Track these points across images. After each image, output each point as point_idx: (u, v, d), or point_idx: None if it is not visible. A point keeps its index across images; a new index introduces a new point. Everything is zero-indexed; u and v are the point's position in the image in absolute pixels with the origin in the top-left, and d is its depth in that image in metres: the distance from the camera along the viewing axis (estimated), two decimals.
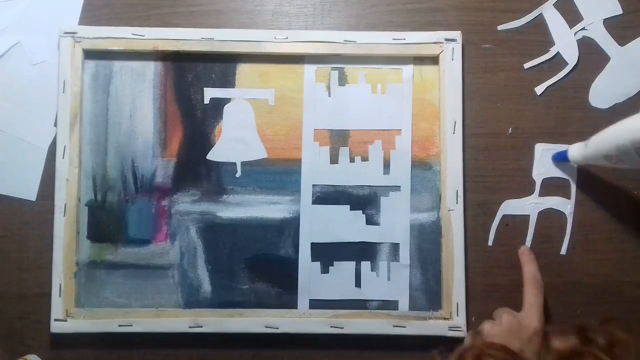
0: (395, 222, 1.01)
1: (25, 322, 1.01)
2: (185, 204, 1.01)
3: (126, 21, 1.04)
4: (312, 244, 1.01)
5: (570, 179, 1.02)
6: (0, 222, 1.02)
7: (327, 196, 1.02)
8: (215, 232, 1.01)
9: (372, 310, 1.00)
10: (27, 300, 1.01)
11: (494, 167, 1.02)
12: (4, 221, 1.01)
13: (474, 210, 1.02)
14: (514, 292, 1.00)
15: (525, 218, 1.02)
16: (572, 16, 1.04)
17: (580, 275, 1.02)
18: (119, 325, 0.98)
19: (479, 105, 1.03)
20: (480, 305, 1.00)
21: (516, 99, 1.04)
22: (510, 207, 1.02)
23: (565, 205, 1.02)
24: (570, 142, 1.01)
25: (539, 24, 1.04)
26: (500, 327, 0.92)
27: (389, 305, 1.00)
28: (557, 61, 1.04)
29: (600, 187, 1.02)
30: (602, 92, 1.03)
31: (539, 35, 1.04)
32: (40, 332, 1.00)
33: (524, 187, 1.02)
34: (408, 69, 1.03)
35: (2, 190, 1.02)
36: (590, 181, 1.02)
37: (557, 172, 1.02)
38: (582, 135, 1.01)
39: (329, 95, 1.03)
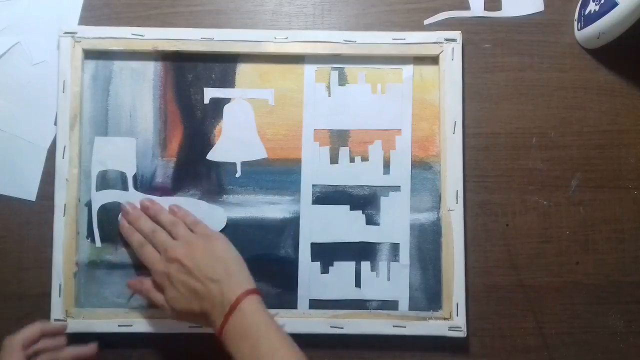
0: (395, 222, 1.01)
1: (25, 322, 1.00)
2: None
3: (126, 21, 1.04)
4: (312, 244, 1.01)
5: None
6: (6, 224, 1.02)
7: (327, 196, 1.02)
8: None
9: (372, 310, 1.00)
10: (26, 300, 1.01)
11: (494, 167, 1.02)
12: (3, 221, 1.01)
13: (473, 210, 1.02)
14: (514, 292, 1.01)
15: (525, 218, 1.02)
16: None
17: (580, 275, 1.02)
18: (119, 325, 0.98)
19: (479, 105, 1.03)
20: (480, 306, 1.00)
21: (516, 99, 1.04)
22: None
23: None
24: (570, 142, 1.02)
25: (539, 23, 1.05)
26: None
27: (389, 305, 1.00)
28: (557, 61, 1.04)
29: (599, 187, 1.02)
30: None
31: (539, 35, 1.04)
32: None
33: (524, 187, 1.02)
34: (408, 69, 1.03)
35: (1, 190, 1.01)
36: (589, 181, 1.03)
37: None
38: (582, 135, 1.02)
39: (329, 95, 1.03)
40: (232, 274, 0.88)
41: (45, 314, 0.98)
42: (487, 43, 1.04)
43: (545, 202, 1.02)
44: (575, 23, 1.04)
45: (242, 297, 0.85)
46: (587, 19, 1.00)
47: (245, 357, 0.82)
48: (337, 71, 1.03)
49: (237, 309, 0.85)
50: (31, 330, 0.91)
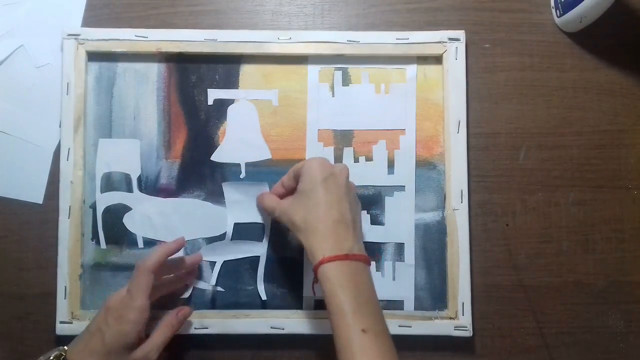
0: (400, 222, 1.01)
1: (25, 322, 1.00)
2: None
3: (125, 21, 1.04)
4: None
5: None
6: (7, 224, 1.01)
7: None
8: None
9: None
10: (27, 300, 1.00)
11: (494, 167, 1.03)
12: (11, 223, 1.01)
13: (473, 210, 1.02)
14: (514, 292, 1.01)
15: (525, 218, 1.03)
16: None
17: (580, 275, 1.02)
18: None
19: (479, 105, 1.04)
20: (480, 306, 1.00)
21: (516, 99, 1.04)
22: None
23: None
24: (570, 142, 1.03)
25: (540, 23, 1.05)
26: None
27: (395, 305, 1.00)
28: (557, 61, 1.05)
29: (599, 187, 1.03)
30: None
31: (539, 35, 1.05)
32: (40, 332, 1.00)
33: (524, 187, 1.03)
34: (412, 69, 1.03)
35: (9, 194, 1.01)
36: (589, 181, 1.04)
37: None
38: (582, 135, 1.03)
39: (333, 96, 1.03)
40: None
41: (45, 314, 0.99)
42: (487, 43, 1.05)
43: (545, 202, 1.03)
44: (553, 10, 1.05)
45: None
46: (565, 5, 1.01)
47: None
48: (341, 71, 1.03)
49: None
50: (159, 255, 0.90)
